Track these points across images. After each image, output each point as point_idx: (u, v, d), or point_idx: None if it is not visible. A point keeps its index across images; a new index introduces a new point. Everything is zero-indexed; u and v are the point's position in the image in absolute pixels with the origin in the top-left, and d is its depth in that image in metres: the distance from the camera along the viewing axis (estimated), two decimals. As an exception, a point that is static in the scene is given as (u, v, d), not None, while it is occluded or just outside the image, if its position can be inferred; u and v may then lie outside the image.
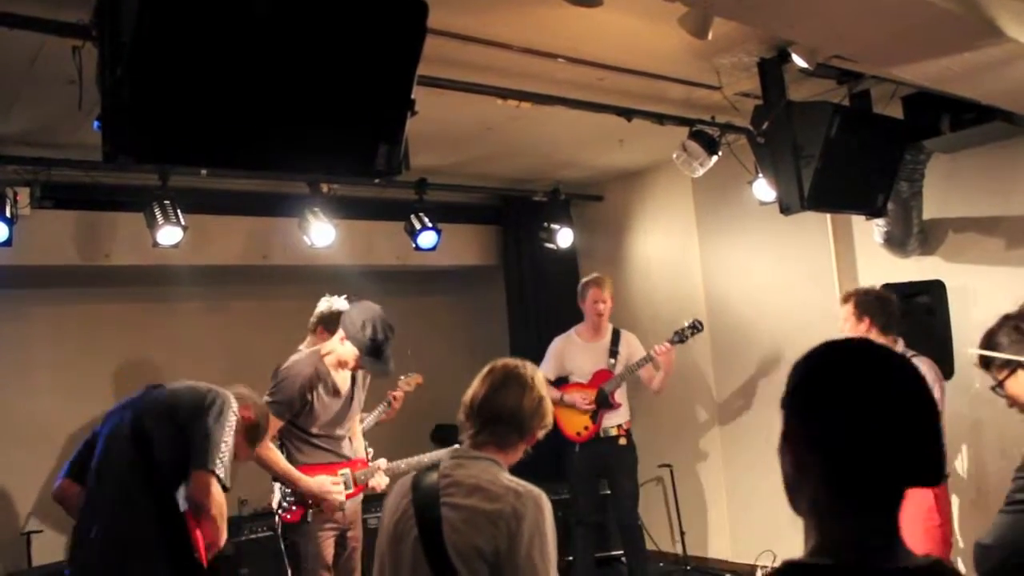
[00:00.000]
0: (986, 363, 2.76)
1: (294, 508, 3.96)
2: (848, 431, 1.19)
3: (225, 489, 2.94)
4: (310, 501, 3.94)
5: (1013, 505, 2.32)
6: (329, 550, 4.01)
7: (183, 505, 2.94)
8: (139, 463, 2.92)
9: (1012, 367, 2.63)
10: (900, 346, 4.05)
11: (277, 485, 4.02)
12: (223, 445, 2.92)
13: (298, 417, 3.97)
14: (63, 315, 6.12)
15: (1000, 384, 2.69)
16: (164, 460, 2.92)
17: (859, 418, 1.19)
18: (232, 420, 3.00)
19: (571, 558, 5.60)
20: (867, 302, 4.13)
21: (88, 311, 6.20)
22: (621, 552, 6.03)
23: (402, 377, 5.13)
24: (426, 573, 2.19)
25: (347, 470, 4.11)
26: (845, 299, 4.23)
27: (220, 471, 2.89)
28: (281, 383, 3.93)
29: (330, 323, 4.75)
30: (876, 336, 4.04)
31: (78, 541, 2.96)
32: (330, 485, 3.96)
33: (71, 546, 3.01)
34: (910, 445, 1.20)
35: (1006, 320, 2.77)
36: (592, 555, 5.77)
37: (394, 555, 2.30)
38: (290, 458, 3.99)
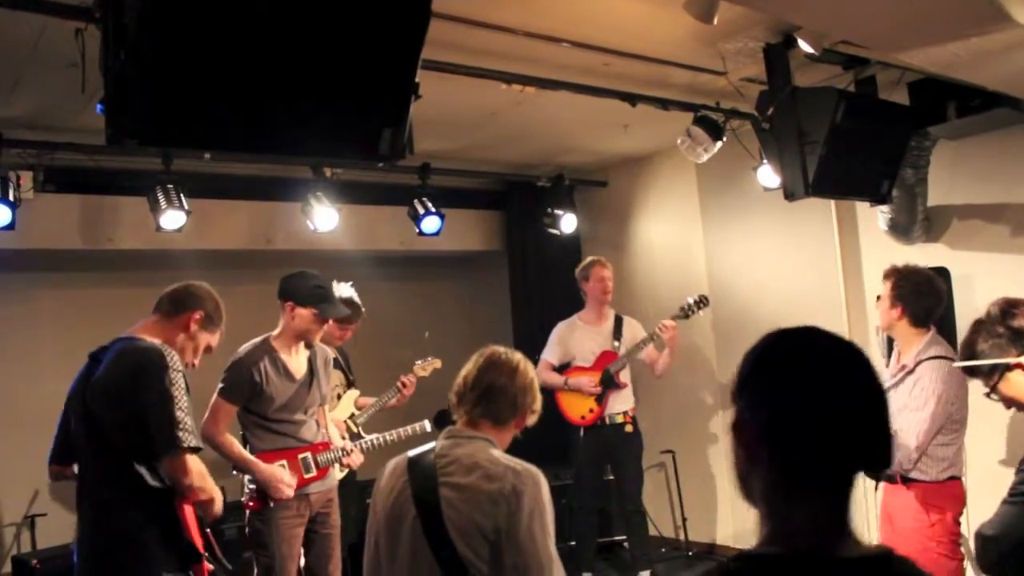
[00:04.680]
0: (971, 372, 2.76)
1: (256, 496, 3.89)
2: (794, 422, 1.20)
3: (197, 451, 2.87)
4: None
5: (1019, 496, 2.31)
6: (294, 539, 3.93)
7: (155, 483, 2.85)
8: (98, 454, 2.87)
9: (1000, 370, 2.63)
10: (930, 333, 3.63)
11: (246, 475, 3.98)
12: (179, 413, 2.80)
13: (251, 402, 3.93)
14: (67, 298, 6.12)
15: (993, 389, 2.69)
16: (121, 446, 2.84)
17: (804, 409, 1.20)
18: (177, 378, 2.86)
19: (573, 543, 5.62)
20: (906, 288, 3.62)
21: (92, 295, 6.20)
22: (623, 537, 6.07)
23: (418, 362, 5.08)
24: (426, 553, 2.20)
25: (307, 454, 4.03)
26: (885, 275, 3.72)
27: (189, 442, 2.80)
28: (230, 370, 3.92)
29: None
30: (906, 327, 3.64)
31: (78, 528, 2.94)
32: (281, 474, 3.86)
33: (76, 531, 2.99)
34: (855, 433, 1.21)
35: (980, 326, 2.75)
36: (595, 540, 5.79)
37: (391, 536, 2.31)
38: (248, 444, 3.94)
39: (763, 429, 1.23)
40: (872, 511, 3.98)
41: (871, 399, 1.24)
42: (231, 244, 6.02)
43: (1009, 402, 2.68)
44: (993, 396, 2.70)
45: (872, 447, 1.23)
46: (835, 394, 1.21)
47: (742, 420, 1.27)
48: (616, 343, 5.59)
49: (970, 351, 2.72)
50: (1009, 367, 2.58)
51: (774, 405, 1.23)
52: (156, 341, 3.00)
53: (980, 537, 2.31)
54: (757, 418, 1.24)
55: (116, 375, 2.89)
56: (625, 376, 5.56)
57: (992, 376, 2.67)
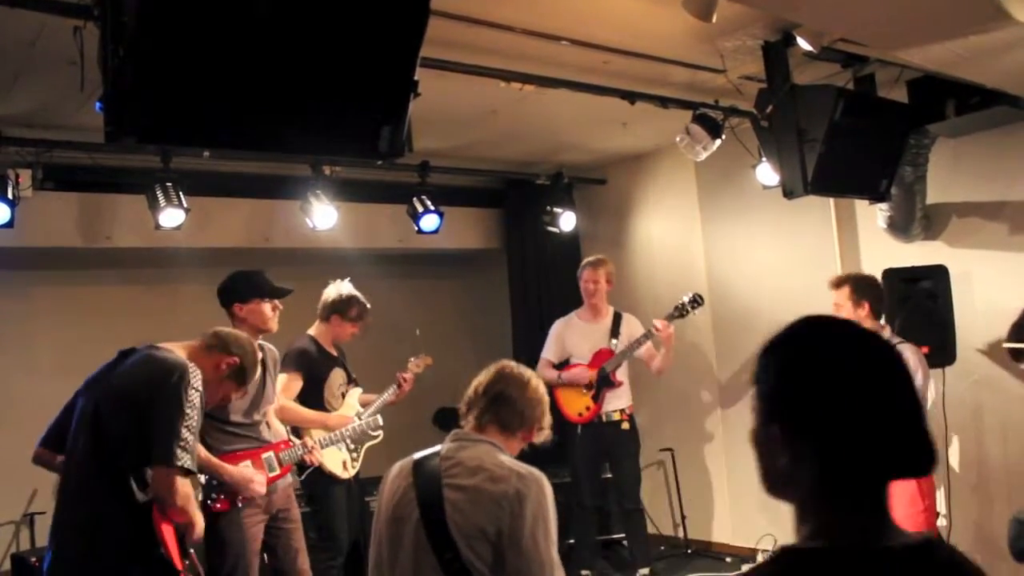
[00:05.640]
0: (1018, 355, 2.76)
1: (222, 497, 3.86)
2: (845, 423, 1.18)
3: (191, 474, 2.85)
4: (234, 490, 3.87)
5: None
6: (258, 536, 3.96)
7: (141, 496, 2.83)
8: (96, 454, 2.84)
9: None
10: (887, 332, 4.13)
11: (202, 476, 3.97)
12: (184, 431, 2.78)
13: (212, 407, 3.94)
14: (65, 296, 6.12)
15: None
16: (120, 450, 2.81)
17: (855, 410, 1.18)
18: (194, 397, 2.85)
19: (572, 541, 5.62)
20: (864, 287, 4.15)
21: (90, 293, 6.20)
22: (622, 535, 6.07)
23: (412, 359, 5.13)
24: (429, 556, 2.20)
25: (271, 453, 4.06)
26: (838, 284, 4.21)
27: (184, 462, 2.78)
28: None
29: (342, 309, 4.78)
30: (870, 321, 4.08)
31: (55, 523, 2.90)
32: (251, 473, 3.86)
33: (51, 526, 2.93)
34: (905, 436, 1.19)
35: None
36: (593, 538, 5.80)
37: (393, 538, 2.31)
38: (210, 449, 3.90)
39: (810, 428, 1.20)
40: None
41: (913, 399, 1.22)
42: (230, 242, 6.01)
43: None
44: None
45: (920, 449, 1.21)
46: (881, 392, 1.19)
47: (785, 417, 1.23)
48: (614, 340, 5.58)
49: (1021, 333, 2.73)
50: None
51: (822, 402, 1.19)
52: (184, 357, 3.00)
53: (1018, 524, 2.32)
54: (803, 416, 1.21)
55: (136, 377, 2.90)
56: (621, 374, 5.55)
57: None
